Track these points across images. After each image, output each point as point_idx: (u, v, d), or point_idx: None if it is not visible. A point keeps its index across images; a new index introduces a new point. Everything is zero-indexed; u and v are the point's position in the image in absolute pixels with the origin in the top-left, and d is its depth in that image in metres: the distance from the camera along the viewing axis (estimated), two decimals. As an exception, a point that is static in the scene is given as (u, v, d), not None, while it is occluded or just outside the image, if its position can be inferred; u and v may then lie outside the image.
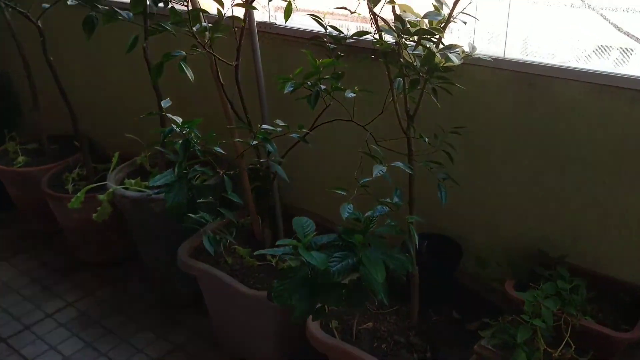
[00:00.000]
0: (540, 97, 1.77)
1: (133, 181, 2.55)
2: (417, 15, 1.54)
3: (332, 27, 1.85)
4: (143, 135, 2.82)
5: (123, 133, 2.74)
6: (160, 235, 2.53)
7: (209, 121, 2.03)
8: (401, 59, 1.53)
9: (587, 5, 1.74)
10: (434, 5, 1.60)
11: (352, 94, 1.72)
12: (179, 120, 1.63)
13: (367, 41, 1.69)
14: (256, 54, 2.10)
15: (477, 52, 1.64)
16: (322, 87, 1.76)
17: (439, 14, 1.53)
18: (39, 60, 2.69)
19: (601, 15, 1.72)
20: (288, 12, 2.03)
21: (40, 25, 2.53)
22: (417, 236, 1.72)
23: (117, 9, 1.76)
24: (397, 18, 1.47)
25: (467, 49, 1.60)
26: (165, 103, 1.80)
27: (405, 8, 1.53)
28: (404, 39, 1.48)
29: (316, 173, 2.46)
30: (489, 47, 1.87)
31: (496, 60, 1.76)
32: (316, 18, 1.95)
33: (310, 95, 1.76)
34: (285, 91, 1.69)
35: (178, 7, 1.69)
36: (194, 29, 1.60)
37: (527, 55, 1.81)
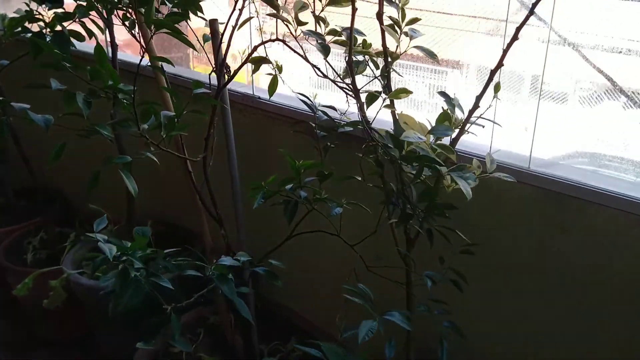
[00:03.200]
0: (572, 222, 1.43)
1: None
2: (420, 128, 1.21)
3: (329, 106, 1.55)
4: (114, 200, 2.51)
5: (99, 192, 2.41)
6: (118, 324, 2.20)
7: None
8: (393, 187, 1.21)
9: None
10: (444, 112, 1.28)
11: (339, 210, 1.40)
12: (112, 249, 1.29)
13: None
14: (230, 142, 1.78)
15: (495, 164, 1.31)
16: (303, 194, 1.44)
17: (449, 129, 1.20)
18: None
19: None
20: (273, 87, 1.72)
21: (-3, 83, 2.24)
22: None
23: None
24: (395, 143, 1.13)
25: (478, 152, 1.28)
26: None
27: (407, 119, 1.20)
28: (401, 164, 1.15)
29: (298, 266, 2.11)
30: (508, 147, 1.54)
31: (519, 172, 1.43)
32: (304, 99, 1.65)
33: (287, 204, 1.43)
34: (255, 206, 1.36)
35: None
36: (144, 126, 1.27)
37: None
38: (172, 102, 1.70)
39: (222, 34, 1.55)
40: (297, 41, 1.28)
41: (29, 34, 2.08)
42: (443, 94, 1.32)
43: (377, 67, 1.41)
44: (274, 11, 1.25)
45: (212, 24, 1.58)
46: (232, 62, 1.80)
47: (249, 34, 1.91)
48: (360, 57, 1.40)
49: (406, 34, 1.32)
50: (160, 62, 1.45)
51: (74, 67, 1.21)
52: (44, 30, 2.07)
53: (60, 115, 1.22)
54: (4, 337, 2.74)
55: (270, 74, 1.77)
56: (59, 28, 2.05)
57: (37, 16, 2.09)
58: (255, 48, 1.47)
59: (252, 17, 1.76)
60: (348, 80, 1.34)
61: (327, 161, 1.63)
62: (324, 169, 1.47)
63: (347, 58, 1.23)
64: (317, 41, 1.25)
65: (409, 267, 1.38)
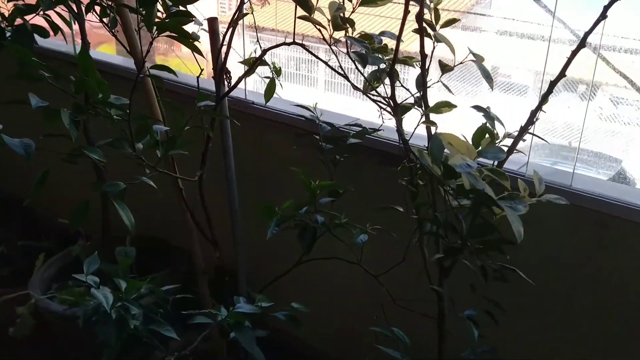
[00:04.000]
0: (615, 243, 1.30)
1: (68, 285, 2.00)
2: (467, 149, 1.05)
3: (356, 124, 1.39)
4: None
5: (67, 200, 2.18)
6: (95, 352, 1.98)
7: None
8: (437, 216, 1.05)
9: None
10: (483, 127, 1.12)
11: (364, 238, 1.23)
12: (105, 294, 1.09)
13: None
14: (228, 156, 1.58)
15: (544, 184, 1.17)
16: (320, 218, 1.27)
17: (500, 152, 1.05)
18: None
19: None
20: (270, 91, 1.54)
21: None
22: None
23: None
24: (449, 172, 0.97)
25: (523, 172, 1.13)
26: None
27: (451, 139, 1.04)
28: (451, 196, 0.99)
29: (306, 291, 1.94)
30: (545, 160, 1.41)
31: (561, 191, 1.29)
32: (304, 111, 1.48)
33: (302, 231, 1.26)
34: (269, 236, 1.18)
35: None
36: (138, 145, 1.07)
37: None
38: (160, 110, 1.49)
39: (225, 36, 1.35)
40: (330, 47, 1.10)
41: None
42: (479, 108, 1.16)
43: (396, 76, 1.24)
44: (306, 13, 1.06)
45: (212, 23, 1.38)
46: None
47: (242, 34, 1.71)
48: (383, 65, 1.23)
49: (443, 37, 1.16)
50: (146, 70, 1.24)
51: (55, 77, 1.00)
52: (1, 24, 1.83)
53: (41, 137, 1.01)
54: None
55: (267, 77, 1.59)
56: (20, 22, 1.81)
57: (-6, 9, 1.84)
58: (265, 52, 1.28)
59: (247, 14, 1.57)
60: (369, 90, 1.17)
61: (335, 175, 1.47)
62: (339, 187, 1.31)
63: (387, 68, 1.05)
64: (357, 50, 1.06)
65: (442, 301, 1.22)
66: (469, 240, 1.00)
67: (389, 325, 1.31)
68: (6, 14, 1.82)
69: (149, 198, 1.85)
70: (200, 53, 1.18)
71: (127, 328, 1.10)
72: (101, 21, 1.56)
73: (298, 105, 1.55)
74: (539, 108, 1.06)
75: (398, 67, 1.12)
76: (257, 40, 1.59)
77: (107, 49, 2.93)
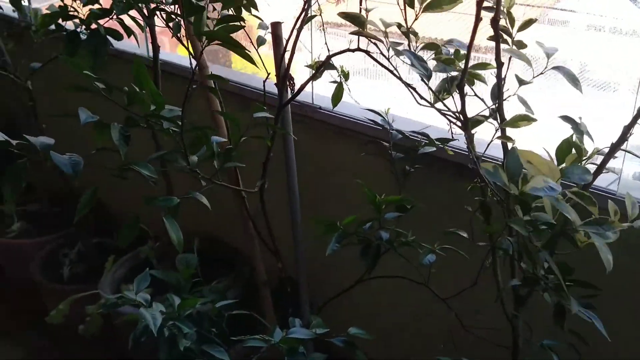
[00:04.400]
0: None
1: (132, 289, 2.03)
2: (549, 169, 0.93)
3: (421, 133, 1.30)
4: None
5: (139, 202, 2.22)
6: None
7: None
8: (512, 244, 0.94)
9: None
10: (569, 140, 1.01)
11: (431, 258, 1.14)
12: (158, 310, 1.06)
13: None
14: (291, 165, 1.52)
15: (638, 207, 1.03)
16: (384, 235, 1.19)
17: (586, 174, 0.93)
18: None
19: None
20: (337, 96, 1.47)
21: (30, 87, 2.04)
22: None
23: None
24: (523, 206, 0.86)
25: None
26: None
27: (531, 157, 0.93)
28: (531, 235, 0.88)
29: (364, 308, 1.86)
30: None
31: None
32: (374, 115, 1.40)
33: (365, 248, 1.18)
34: (328, 253, 1.11)
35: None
36: (192, 158, 1.03)
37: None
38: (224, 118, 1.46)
39: (287, 40, 1.30)
40: (389, 60, 1.02)
41: (64, 32, 1.89)
42: (567, 118, 1.04)
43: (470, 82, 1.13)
44: (358, 28, 0.99)
45: (275, 27, 1.33)
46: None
47: (310, 37, 1.65)
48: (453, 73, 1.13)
49: (521, 43, 1.04)
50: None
51: (108, 89, 0.98)
52: (78, 28, 1.86)
53: (92, 152, 0.99)
54: (37, 355, 2.58)
55: (334, 82, 1.52)
56: (95, 26, 1.85)
57: (71, 13, 1.88)
58: (329, 58, 1.22)
59: (315, 16, 1.51)
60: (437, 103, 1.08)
61: (405, 187, 1.38)
62: (407, 202, 1.22)
63: (458, 81, 0.96)
64: (419, 64, 0.98)
65: (516, 330, 1.11)
66: (546, 275, 0.89)
67: (458, 354, 1.21)
68: (83, 17, 1.86)
69: (216, 199, 1.81)
70: (253, 62, 1.12)
71: (177, 349, 1.07)
72: (167, 26, 1.55)
73: (368, 110, 1.47)
74: (633, 122, 0.93)
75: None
76: (326, 43, 1.53)
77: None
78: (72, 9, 1.86)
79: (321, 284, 1.73)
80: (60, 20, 1.89)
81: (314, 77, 1.27)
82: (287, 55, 1.32)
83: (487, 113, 1.08)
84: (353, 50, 1.11)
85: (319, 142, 1.73)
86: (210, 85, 1.33)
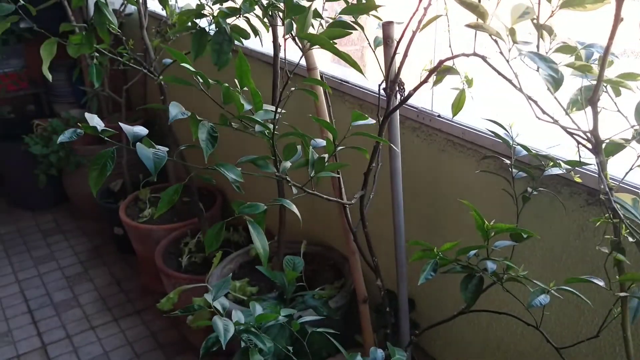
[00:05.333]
0: None
1: (238, 284, 2.05)
2: None
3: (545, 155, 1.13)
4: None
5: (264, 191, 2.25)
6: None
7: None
8: None
9: None
10: None
11: (544, 300, 0.98)
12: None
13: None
14: (396, 176, 1.41)
15: None
16: (491, 266, 1.04)
17: None
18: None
19: None
20: (459, 104, 1.34)
21: (162, 83, 2.13)
22: None
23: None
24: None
25: None
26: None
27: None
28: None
29: (471, 336, 1.70)
30: None
31: None
32: (496, 127, 1.25)
33: (467, 279, 1.05)
34: (421, 282, 0.99)
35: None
36: (285, 164, 0.97)
37: None
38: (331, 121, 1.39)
39: (398, 42, 1.19)
40: (508, 63, 0.88)
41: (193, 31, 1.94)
42: None
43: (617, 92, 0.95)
44: (479, 20, 0.86)
45: (386, 28, 1.23)
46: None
47: (433, 39, 1.52)
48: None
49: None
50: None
51: (207, 85, 0.94)
52: (209, 27, 1.90)
53: (182, 148, 0.96)
54: (159, 337, 2.72)
55: (455, 89, 1.39)
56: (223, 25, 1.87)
57: (204, 12, 1.93)
58: (441, 63, 1.09)
59: (440, 16, 1.38)
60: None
61: (524, 212, 1.21)
62: (523, 232, 1.06)
63: (590, 95, 0.79)
64: (546, 66, 0.83)
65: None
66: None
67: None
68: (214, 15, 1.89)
69: (330, 206, 1.74)
70: (359, 69, 1.03)
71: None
72: (283, 23, 1.51)
73: (490, 120, 1.32)
74: None
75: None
76: (450, 46, 1.40)
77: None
78: (206, 9, 1.91)
79: (428, 304, 1.60)
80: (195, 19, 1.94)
81: (423, 83, 1.16)
82: (398, 58, 1.21)
83: (629, 134, 0.89)
84: (468, 55, 0.98)
85: (433, 154, 1.59)
86: (315, 85, 1.26)
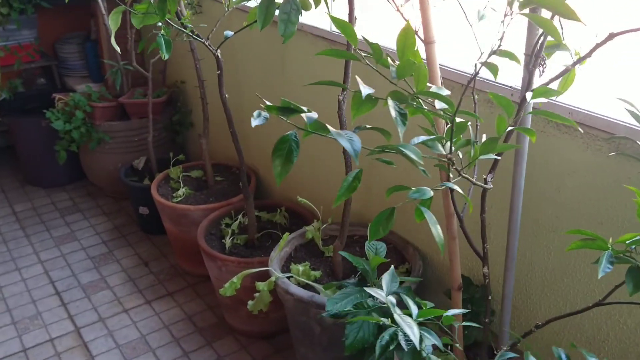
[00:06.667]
0: None
1: (301, 268, 1.97)
2: None
3: None
4: (328, 192, 2.25)
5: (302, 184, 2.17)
6: (323, 344, 1.93)
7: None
8: None
9: None
10: None
11: None
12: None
13: None
14: (520, 164, 1.34)
15: None
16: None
17: None
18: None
19: None
20: (567, 82, 1.28)
21: (219, 56, 2.02)
22: None
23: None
24: None
25: None
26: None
27: None
28: None
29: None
30: None
31: None
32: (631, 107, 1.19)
33: (635, 271, 0.99)
34: (600, 275, 0.93)
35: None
36: (446, 145, 0.89)
37: None
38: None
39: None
40: None
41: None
42: None
43: None
44: None
45: None
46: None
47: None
48: None
49: None
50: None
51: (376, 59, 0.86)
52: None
53: (356, 130, 0.88)
54: (197, 320, 2.64)
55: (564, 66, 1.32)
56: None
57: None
58: (612, 35, 1.02)
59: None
60: None
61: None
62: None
63: None
64: None
65: None
66: None
67: None
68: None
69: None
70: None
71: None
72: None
73: (620, 99, 1.25)
74: None
75: None
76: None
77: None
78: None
79: (529, 299, 1.55)
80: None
81: (588, 55, 1.08)
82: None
83: None
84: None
85: (554, 139, 1.50)
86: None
